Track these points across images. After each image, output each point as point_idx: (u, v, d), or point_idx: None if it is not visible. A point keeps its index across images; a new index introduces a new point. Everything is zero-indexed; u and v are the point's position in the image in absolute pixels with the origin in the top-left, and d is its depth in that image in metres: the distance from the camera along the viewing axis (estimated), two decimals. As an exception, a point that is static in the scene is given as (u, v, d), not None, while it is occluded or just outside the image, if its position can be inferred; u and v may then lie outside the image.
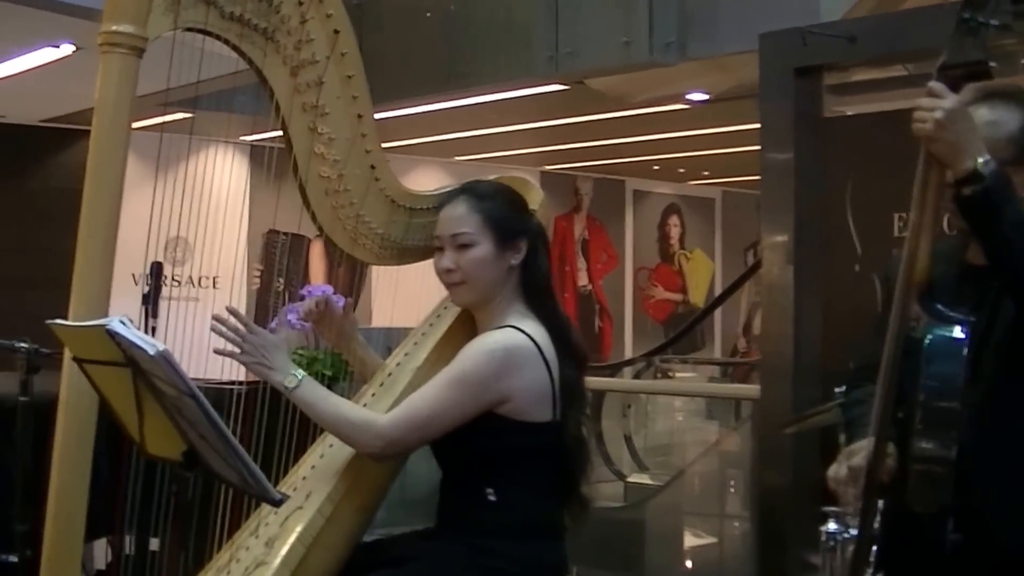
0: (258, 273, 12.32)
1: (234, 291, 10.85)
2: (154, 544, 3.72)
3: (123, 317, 2.42)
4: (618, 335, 15.38)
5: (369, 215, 3.14)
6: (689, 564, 7.42)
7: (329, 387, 2.97)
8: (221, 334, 2.91)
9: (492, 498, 2.88)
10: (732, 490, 7.27)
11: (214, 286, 11.59)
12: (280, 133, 3.05)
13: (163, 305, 3.65)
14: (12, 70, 8.24)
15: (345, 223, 3.13)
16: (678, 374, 11.16)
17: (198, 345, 3.19)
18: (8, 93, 8.56)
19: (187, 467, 2.54)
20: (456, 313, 3.17)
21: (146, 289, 4.47)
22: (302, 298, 5.37)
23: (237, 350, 2.92)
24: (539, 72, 7.49)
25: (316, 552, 2.86)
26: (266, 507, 3.00)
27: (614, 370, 9.49)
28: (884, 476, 2.50)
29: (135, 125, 2.91)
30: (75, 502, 2.80)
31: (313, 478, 3.00)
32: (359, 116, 3.10)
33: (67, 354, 2.81)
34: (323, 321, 3.23)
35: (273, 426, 3.12)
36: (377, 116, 3.03)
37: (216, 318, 2.91)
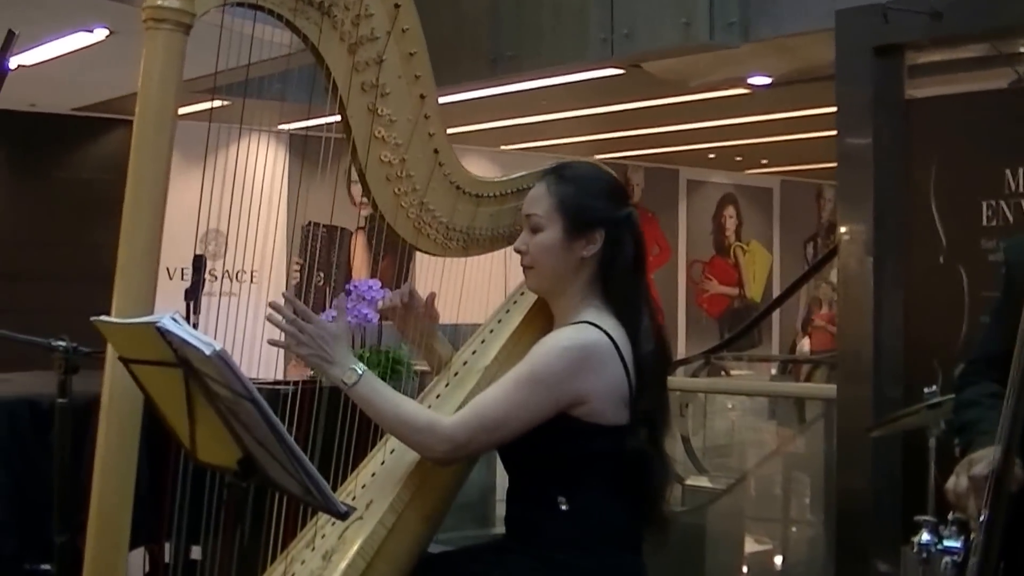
0: (298, 267, 12.25)
1: (273, 285, 10.74)
2: (195, 552, 3.64)
3: (174, 313, 2.30)
4: (671, 331, 15.23)
5: (433, 203, 3.03)
6: (750, 571, 7.28)
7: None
8: (276, 324, 2.79)
9: (564, 507, 2.76)
10: (807, 497, 7.13)
11: (251, 280, 11.45)
12: (326, 120, 2.96)
13: (200, 300, 3.54)
14: (43, 56, 8.17)
15: (408, 211, 3.01)
16: (734, 372, 11.01)
17: (236, 342, 3.08)
18: (39, 81, 8.48)
19: (243, 476, 2.42)
20: (528, 305, 3.06)
21: (188, 283, 4.42)
22: (348, 292, 5.29)
23: (292, 341, 2.79)
24: (593, 56, 7.36)
25: (378, 566, 2.74)
26: (323, 516, 2.89)
27: (672, 367, 9.32)
28: (1014, 486, 2.34)
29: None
30: (118, 512, 2.69)
31: (374, 486, 2.89)
32: (421, 96, 2.99)
33: (109, 353, 2.70)
34: (406, 317, 3.09)
35: (330, 430, 3.01)
36: None
37: (272, 305, 2.80)
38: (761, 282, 15.96)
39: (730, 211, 16.02)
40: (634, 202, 12.23)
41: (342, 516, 2.37)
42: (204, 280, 4.41)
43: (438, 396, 3.00)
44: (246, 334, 2.88)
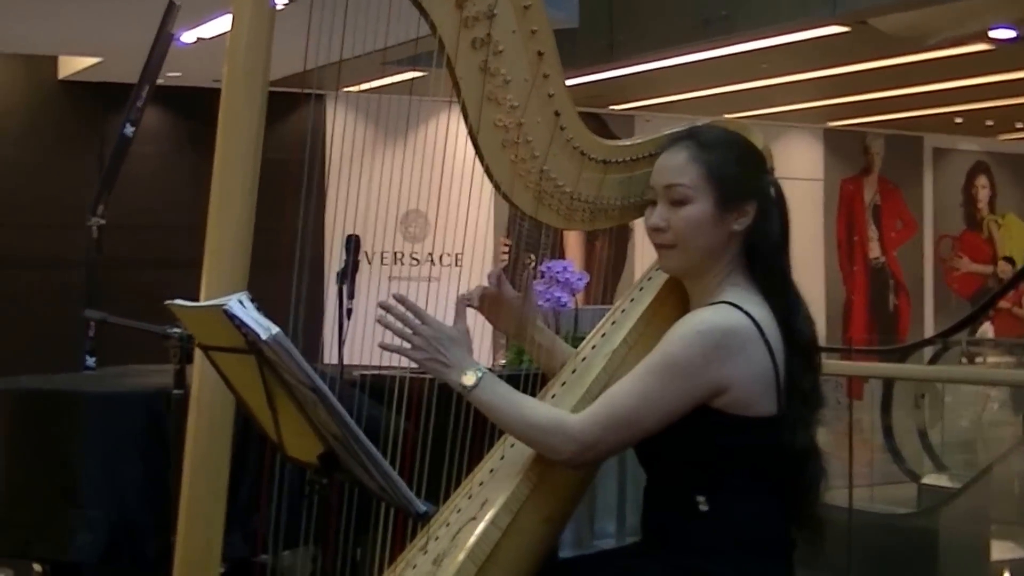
0: (506, 249, 12.30)
1: (478, 269, 10.86)
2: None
3: (243, 295, 2.26)
4: (916, 314, 14.88)
5: (555, 170, 2.91)
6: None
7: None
8: (388, 326, 2.73)
9: (704, 507, 2.64)
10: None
11: (456, 264, 11.61)
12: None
13: (401, 286, 3.47)
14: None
15: (527, 180, 2.91)
16: (990, 359, 10.62)
17: None
18: (220, 55, 8.66)
19: (324, 472, 2.37)
20: (661, 285, 2.93)
21: (341, 265, 4.43)
22: (542, 275, 5.25)
23: (407, 345, 2.73)
24: (814, 12, 7.17)
25: (490, 571, 2.66)
26: (438, 519, 2.84)
27: (904, 354, 9.04)
28: None
29: (363, 87, 2.77)
30: (210, 511, 2.68)
31: (491, 484, 2.80)
32: (539, 53, 2.87)
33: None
34: (496, 306, 3.00)
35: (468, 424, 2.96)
36: (626, 71, 2.81)
37: (383, 305, 2.73)
38: (1020, 258, 15.38)
39: (982, 181, 15.52)
40: (874, 173, 12.01)
41: (420, 517, 2.30)
42: (358, 262, 4.42)
43: (564, 384, 2.90)
44: (448, 322, 2.82)
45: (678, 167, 2.72)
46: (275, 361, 2.22)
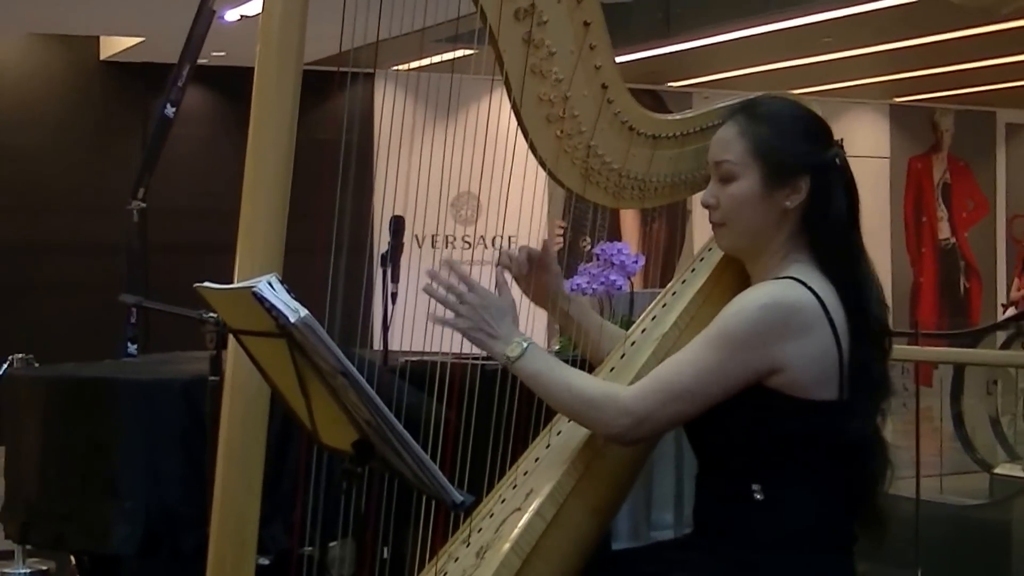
0: (560, 231, 12.25)
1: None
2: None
3: (272, 277, 2.23)
4: (988, 297, 14.73)
5: (603, 146, 2.87)
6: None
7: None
8: (433, 294, 2.70)
9: (759, 496, 2.58)
10: None
11: (509, 247, 11.58)
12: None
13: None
14: (258, 9, 8.32)
15: (573, 156, 2.87)
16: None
17: None
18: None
19: (358, 460, 2.34)
20: (714, 265, 2.89)
21: (385, 248, 4.40)
22: (595, 257, 5.21)
23: (451, 315, 2.70)
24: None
25: (535, 564, 2.63)
26: (482, 510, 2.82)
27: (976, 338, 8.94)
28: None
29: (412, 64, 2.74)
30: (244, 502, 2.66)
31: (536, 473, 2.77)
32: (586, 24, 2.83)
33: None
34: (526, 276, 2.95)
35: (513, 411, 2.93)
36: (683, 46, 2.77)
37: (430, 274, 2.71)
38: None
39: (1058, 157, 15.34)
40: (943, 151, 11.86)
41: (457, 507, 2.27)
42: (402, 244, 4.39)
43: (612, 369, 2.86)
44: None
45: (726, 142, 2.67)
46: (305, 345, 2.19)
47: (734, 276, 2.81)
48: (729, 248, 2.77)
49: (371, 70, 3.02)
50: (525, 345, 2.66)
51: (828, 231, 2.63)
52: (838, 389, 2.56)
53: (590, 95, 2.85)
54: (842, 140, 2.73)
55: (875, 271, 2.69)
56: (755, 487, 2.58)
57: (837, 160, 2.66)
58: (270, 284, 2.21)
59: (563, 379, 2.64)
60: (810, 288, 2.55)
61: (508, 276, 2.86)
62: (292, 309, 2.13)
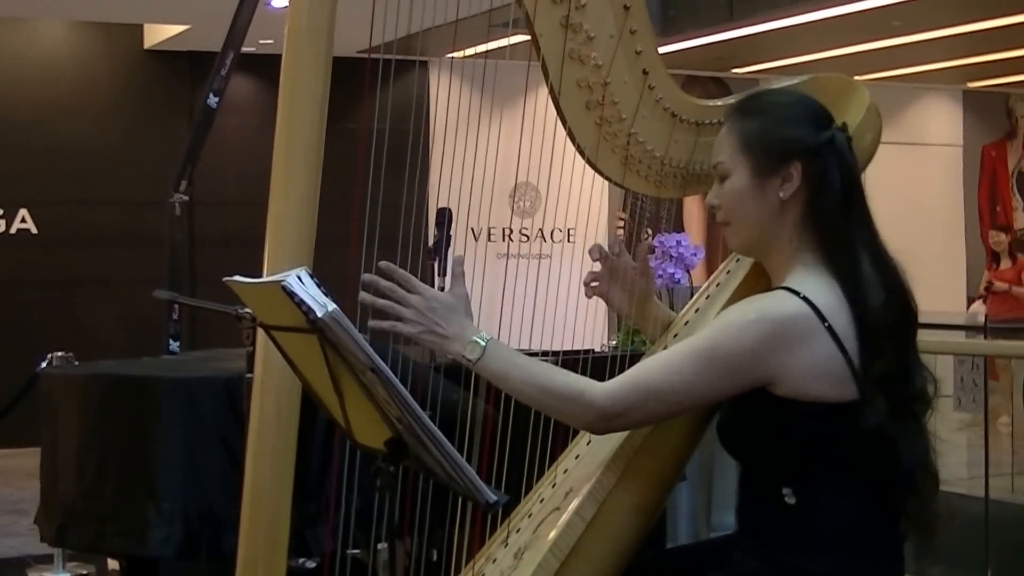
0: (621, 223, 12.22)
1: (590, 245, 10.89)
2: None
3: (303, 270, 2.25)
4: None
5: (644, 133, 2.89)
6: None
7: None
8: (371, 304, 2.61)
9: (790, 500, 2.58)
10: None
11: (568, 240, 11.60)
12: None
13: (509, 264, 3.47)
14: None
15: (614, 144, 2.89)
16: None
17: (548, 311, 3.10)
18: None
19: (392, 459, 2.36)
20: (750, 264, 2.88)
21: (433, 239, 4.42)
22: (653, 250, 5.20)
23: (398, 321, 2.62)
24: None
25: (575, 565, 2.64)
26: (520, 510, 2.84)
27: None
28: None
29: (467, 52, 2.76)
30: (274, 500, 2.68)
31: (576, 472, 2.79)
32: (625, 8, 2.84)
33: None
34: (611, 278, 2.96)
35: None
36: (748, 31, 2.77)
37: (364, 281, 2.60)
38: None
39: None
40: (1019, 137, 11.68)
41: (491, 506, 2.28)
42: (451, 236, 4.40)
43: (657, 362, 2.86)
44: (559, 302, 2.80)
45: (718, 142, 2.69)
46: (336, 341, 2.21)
47: (768, 278, 2.80)
48: (738, 247, 2.77)
49: (423, 58, 3.04)
50: (483, 343, 2.61)
51: (825, 221, 2.61)
52: (856, 389, 2.54)
53: (631, 81, 2.86)
54: (845, 124, 2.68)
55: (889, 254, 2.64)
56: (786, 491, 2.57)
57: (834, 141, 2.62)
58: (299, 278, 2.23)
59: (530, 375, 2.61)
60: (804, 297, 2.53)
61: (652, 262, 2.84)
62: (320, 303, 2.15)
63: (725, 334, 2.53)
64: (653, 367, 2.59)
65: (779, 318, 2.52)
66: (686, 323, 2.92)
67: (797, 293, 2.53)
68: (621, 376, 2.60)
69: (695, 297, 2.99)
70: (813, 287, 2.55)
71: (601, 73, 2.84)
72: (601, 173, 2.90)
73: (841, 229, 2.60)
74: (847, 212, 2.60)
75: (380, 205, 2.98)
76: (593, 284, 2.98)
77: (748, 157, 2.62)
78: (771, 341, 2.50)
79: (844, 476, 2.57)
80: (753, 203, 2.63)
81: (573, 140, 2.86)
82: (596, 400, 2.56)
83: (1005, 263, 11.72)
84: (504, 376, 2.62)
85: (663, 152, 2.90)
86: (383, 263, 2.65)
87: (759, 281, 2.80)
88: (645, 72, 2.87)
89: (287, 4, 2.77)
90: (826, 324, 2.51)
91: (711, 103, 2.93)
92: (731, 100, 2.90)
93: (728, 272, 2.95)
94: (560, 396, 2.59)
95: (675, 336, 2.90)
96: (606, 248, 2.95)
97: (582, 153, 2.88)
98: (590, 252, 2.94)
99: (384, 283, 2.61)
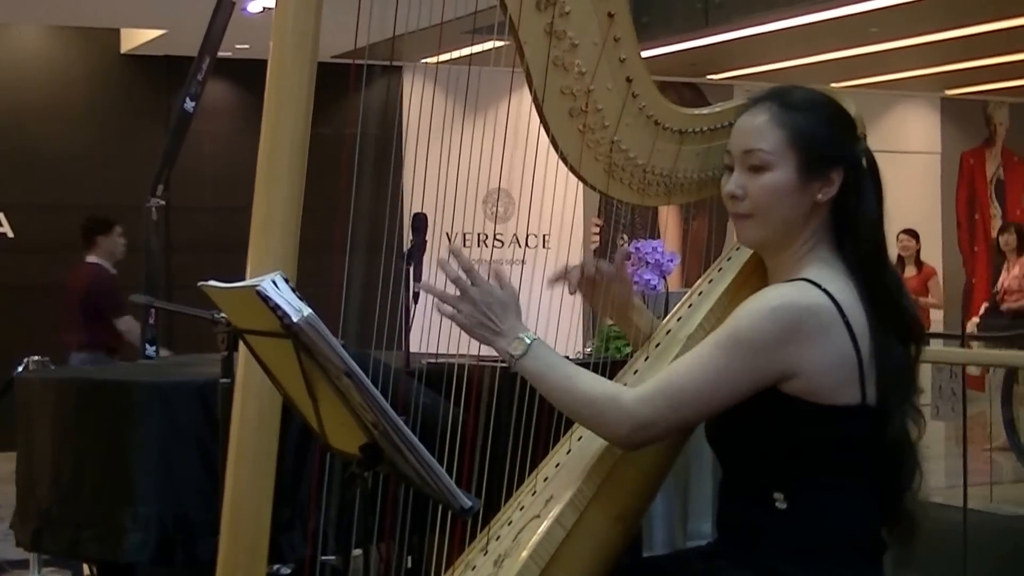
0: (596, 229, 12.24)
1: (565, 251, 10.84)
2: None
3: (277, 275, 2.25)
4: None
5: (627, 141, 2.88)
6: None
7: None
8: (431, 291, 2.66)
9: (781, 505, 2.57)
10: None
11: (543, 245, 11.60)
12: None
13: (483, 270, 3.48)
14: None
15: (597, 151, 2.88)
16: None
17: (528, 317, 3.00)
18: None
19: (366, 464, 2.35)
20: (741, 264, 2.89)
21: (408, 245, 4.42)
22: (628, 256, 5.20)
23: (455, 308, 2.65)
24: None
25: (555, 572, 2.63)
26: (500, 517, 2.83)
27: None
28: None
29: (442, 57, 2.75)
30: (255, 505, 2.67)
31: (556, 480, 2.78)
32: (610, 15, 2.83)
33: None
34: (593, 284, 2.95)
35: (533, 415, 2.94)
36: (723, 37, 2.77)
37: (442, 264, 2.63)
38: None
39: (1119, 153, 15.25)
40: (997, 145, 11.72)
41: (464, 512, 2.28)
42: (425, 242, 4.40)
43: (636, 372, 2.87)
44: (532, 308, 2.79)
45: (758, 130, 2.63)
46: (311, 345, 2.21)
47: (761, 276, 2.79)
48: (752, 241, 2.74)
49: (397, 63, 3.04)
50: (529, 341, 2.63)
51: (855, 228, 2.61)
52: (860, 393, 2.54)
53: (614, 88, 2.85)
54: (865, 136, 2.71)
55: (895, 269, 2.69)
56: (777, 496, 2.57)
57: (867, 155, 2.66)
58: (274, 282, 2.23)
59: (567, 379, 2.62)
60: (825, 290, 2.53)
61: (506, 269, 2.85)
62: (295, 308, 2.14)
63: (749, 321, 2.52)
64: (679, 370, 2.57)
65: (804, 306, 2.51)
66: (667, 332, 2.92)
67: (818, 285, 2.53)
68: (650, 382, 2.60)
69: (676, 307, 2.98)
70: (832, 282, 2.55)
71: (585, 80, 2.83)
72: (584, 181, 2.89)
73: (873, 237, 2.62)
74: (879, 222, 2.63)
75: (352, 211, 2.98)
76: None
77: (797, 153, 2.60)
78: (793, 327, 2.49)
79: (837, 482, 2.57)
80: (788, 201, 2.61)
81: (556, 147, 2.85)
82: (628, 407, 2.55)
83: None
84: (542, 378, 2.63)
85: (645, 160, 2.89)
86: (454, 246, 2.66)
87: (750, 283, 2.81)
88: (629, 80, 2.86)
89: (263, 9, 2.77)
90: (844, 319, 2.52)
91: (696, 112, 2.93)
92: (717, 109, 2.91)
93: (711, 281, 2.95)
94: (594, 403, 2.59)
95: (657, 346, 2.89)
96: (579, 271, 2.92)
97: (565, 160, 2.87)
98: (567, 284, 2.93)
99: (451, 269, 2.62)
